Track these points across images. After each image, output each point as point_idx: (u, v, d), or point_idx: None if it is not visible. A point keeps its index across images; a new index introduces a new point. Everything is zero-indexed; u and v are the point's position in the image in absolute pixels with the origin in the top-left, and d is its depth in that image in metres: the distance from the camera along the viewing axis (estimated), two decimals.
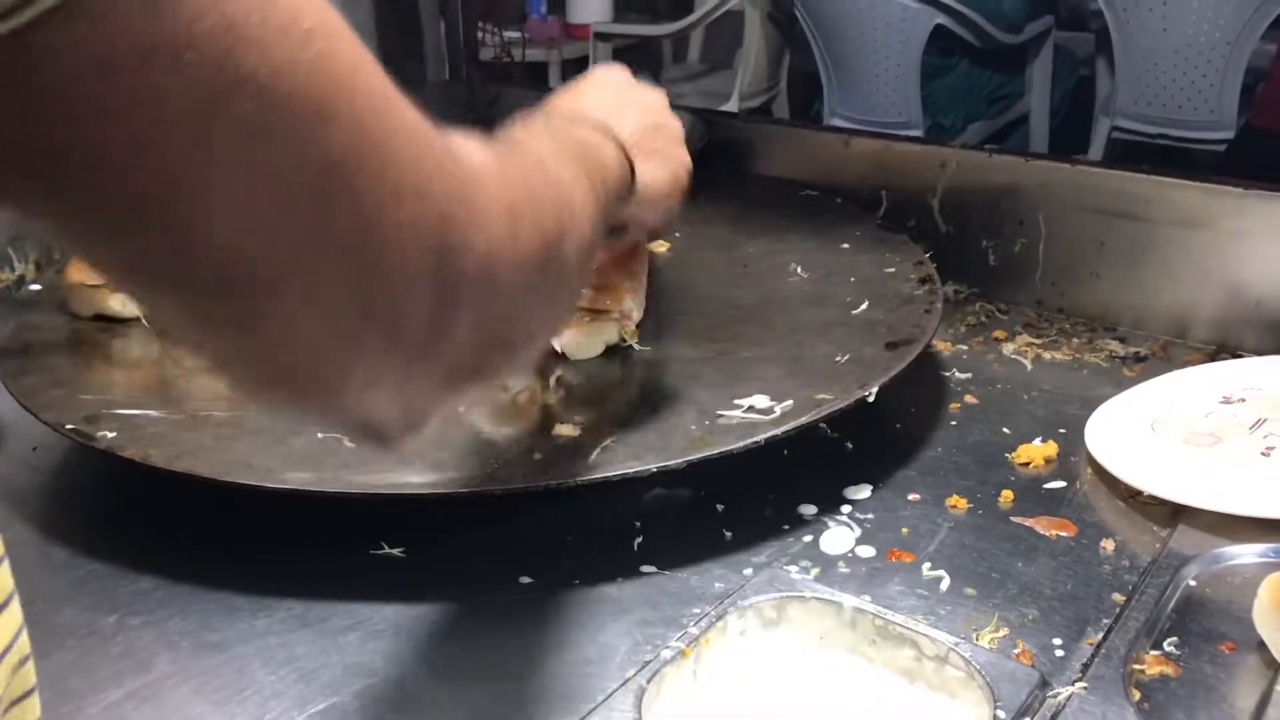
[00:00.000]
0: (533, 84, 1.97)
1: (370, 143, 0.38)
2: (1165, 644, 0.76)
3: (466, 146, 0.46)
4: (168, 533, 0.91)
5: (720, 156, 1.49)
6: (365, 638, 0.78)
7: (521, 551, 0.87)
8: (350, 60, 0.38)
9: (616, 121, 0.75)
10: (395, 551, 0.87)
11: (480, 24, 1.87)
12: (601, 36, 3.43)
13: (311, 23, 0.35)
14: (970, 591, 0.82)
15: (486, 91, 1.76)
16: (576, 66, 3.60)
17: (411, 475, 0.84)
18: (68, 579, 0.85)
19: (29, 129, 0.30)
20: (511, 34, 2.15)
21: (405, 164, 0.39)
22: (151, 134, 0.32)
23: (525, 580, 0.84)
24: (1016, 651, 0.75)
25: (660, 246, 1.26)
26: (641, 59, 3.86)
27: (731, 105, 3.22)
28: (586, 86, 0.83)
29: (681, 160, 0.84)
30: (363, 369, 0.41)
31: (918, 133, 2.92)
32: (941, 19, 2.80)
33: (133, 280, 0.38)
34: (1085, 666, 0.73)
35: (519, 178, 0.49)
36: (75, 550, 0.89)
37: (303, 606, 0.81)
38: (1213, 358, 1.16)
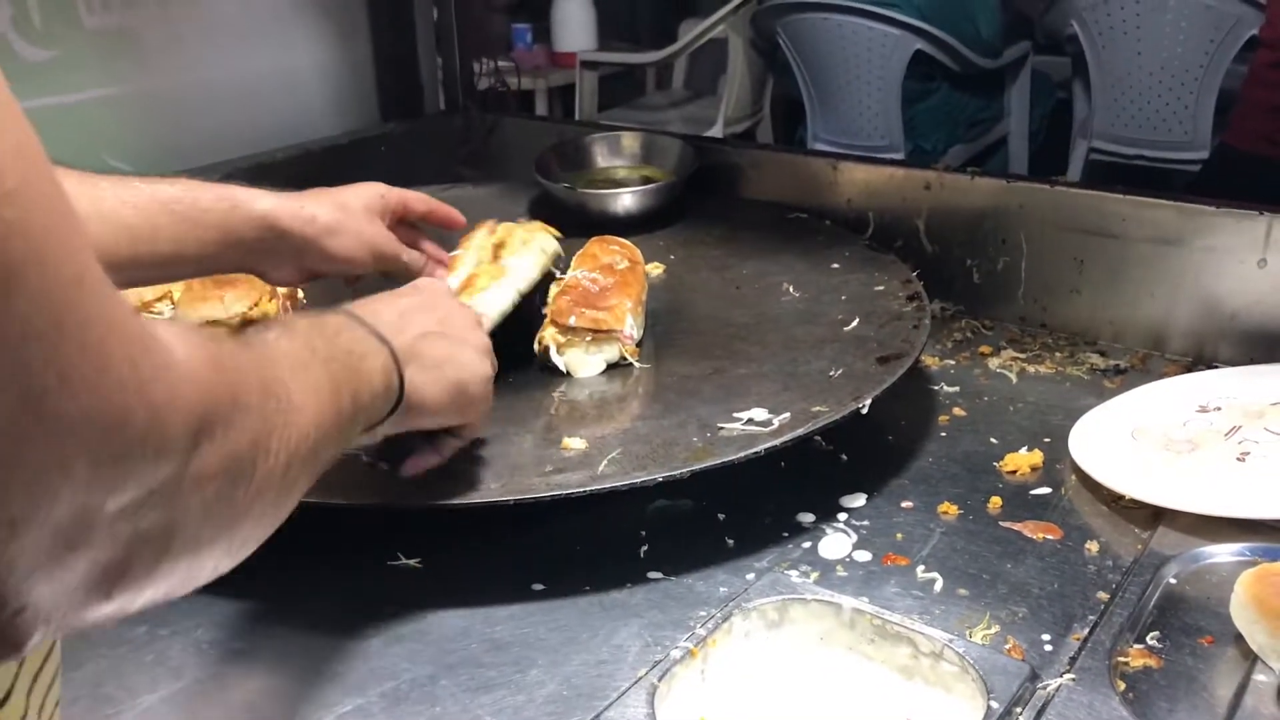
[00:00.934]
0: (526, 115, 2.01)
1: (50, 321, 0.35)
2: (1148, 638, 0.80)
3: (177, 341, 0.43)
4: None
5: (710, 182, 1.53)
6: (387, 642, 0.82)
7: (533, 560, 0.91)
8: (48, 230, 0.36)
9: (400, 327, 0.75)
10: (412, 562, 0.90)
11: (475, 57, 1.92)
12: (588, 65, 3.49)
13: (13, 184, 0.34)
14: (963, 592, 0.86)
15: (484, 121, 1.80)
16: (564, 94, 3.65)
17: (427, 488, 0.88)
18: None
19: None
20: (502, 63, 2.19)
21: (87, 348, 0.37)
22: None
23: (538, 587, 0.88)
24: (1007, 647, 0.79)
25: (655, 269, 1.30)
26: (626, 86, 3.92)
27: (716, 131, 3.27)
28: (395, 293, 0.84)
29: (469, 368, 0.81)
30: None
31: (899, 156, 2.98)
32: (921, 44, 2.87)
33: None
34: (1073, 660, 0.77)
35: (226, 386, 0.46)
36: None
37: (328, 614, 0.85)
38: (1189, 369, 1.21)
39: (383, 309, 0.77)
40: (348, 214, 0.99)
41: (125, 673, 0.79)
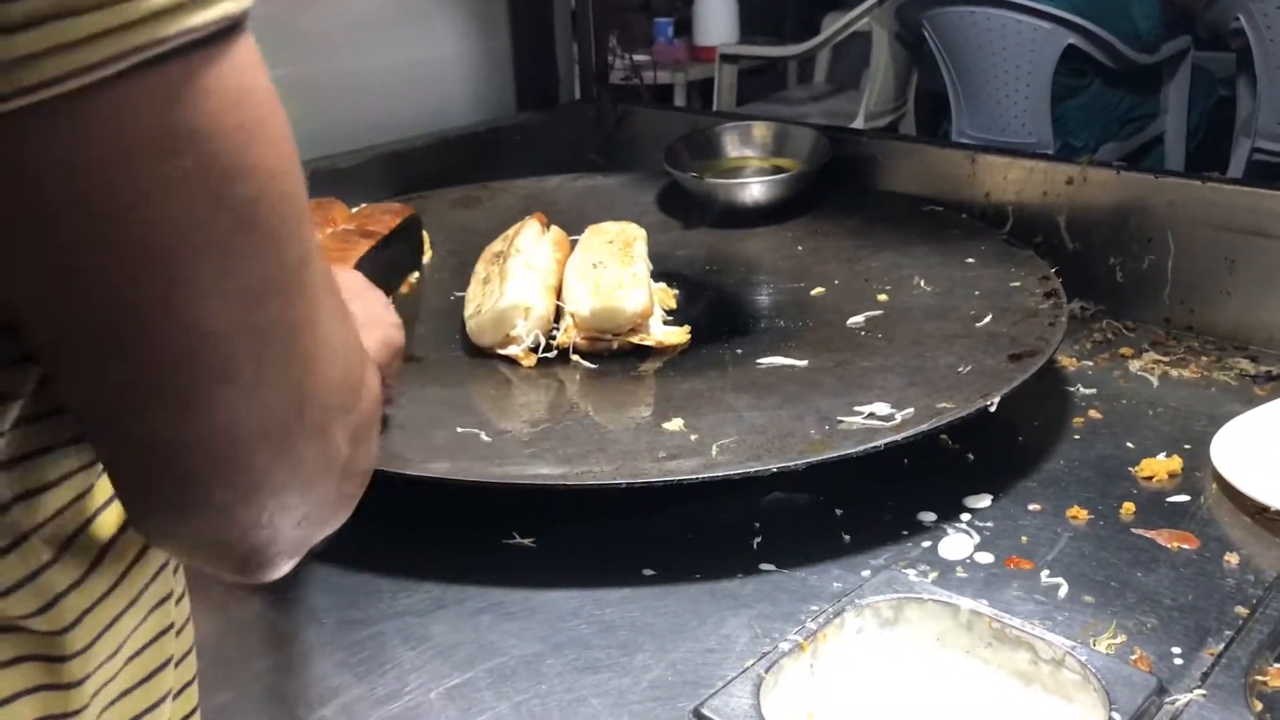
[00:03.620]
0: (659, 105, 2.01)
1: (325, 266, 0.42)
2: None
3: (355, 310, 0.50)
4: None
5: (844, 173, 1.51)
6: (497, 619, 0.82)
7: (645, 545, 0.91)
8: (303, 210, 0.41)
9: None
10: (526, 541, 0.91)
11: (610, 48, 1.93)
12: (727, 58, 3.47)
13: (288, 165, 0.39)
14: (1088, 599, 0.82)
15: (615, 111, 1.81)
16: (703, 87, 3.65)
17: (543, 468, 0.88)
18: None
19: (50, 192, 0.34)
20: (640, 57, 2.20)
21: (319, 329, 0.42)
22: (159, 201, 0.35)
23: (648, 572, 0.87)
24: (1134, 658, 0.75)
25: (681, 337, 1.15)
26: (766, 80, 3.89)
27: (858, 124, 3.22)
28: None
29: (386, 319, 0.85)
30: (282, 472, 0.42)
31: (1048, 154, 2.88)
32: (1073, 39, 2.77)
33: (94, 339, 0.38)
34: (1205, 675, 0.73)
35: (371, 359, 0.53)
36: None
37: (440, 589, 0.86)
38: None
39: None
40: None
41: (243, 636, 0.82)
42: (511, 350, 1.10)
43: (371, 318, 0.83)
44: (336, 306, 0.44)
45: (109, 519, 0.46)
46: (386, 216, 1.29)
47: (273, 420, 0.41)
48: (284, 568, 0.47)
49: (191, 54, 0.34)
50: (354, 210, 1.34)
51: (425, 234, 1.39)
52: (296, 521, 0.44)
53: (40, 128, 0.33)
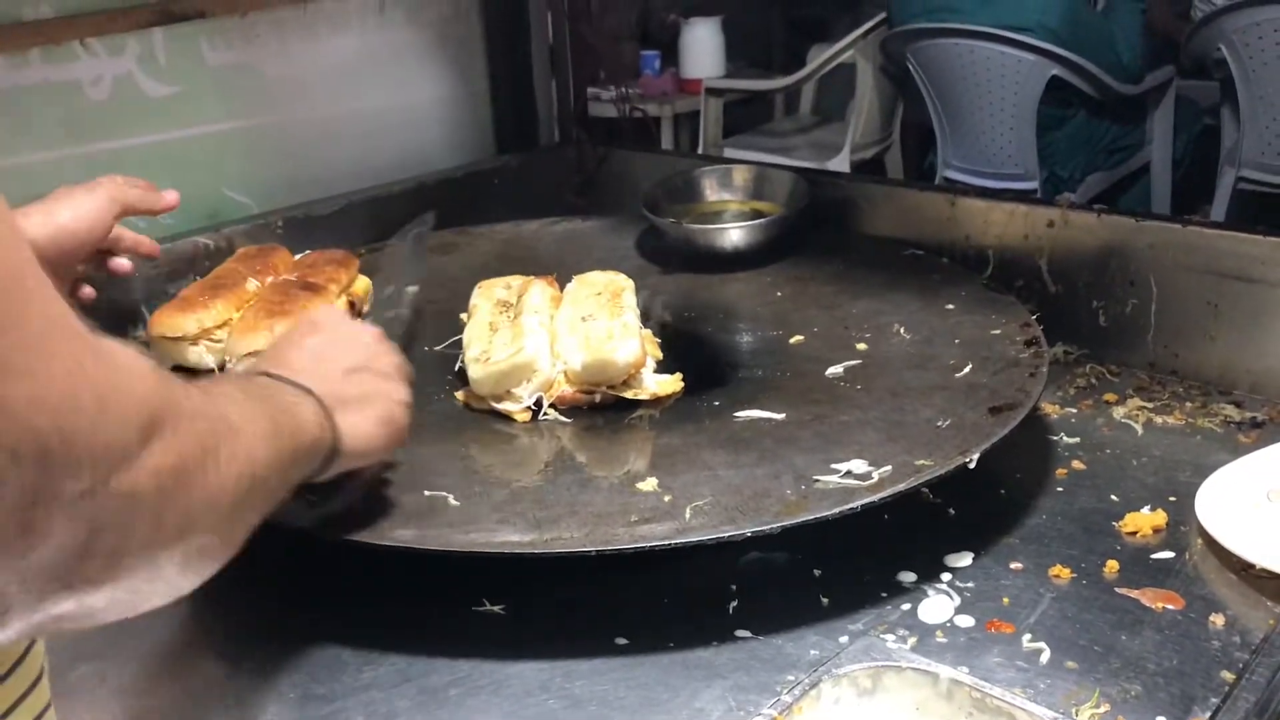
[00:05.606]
0: (641, 143, 2.00)
1: None
2: None
3: (118, 347, 0.45)
4: (278, 587, 0.95)
5: (824, 216, 1.49)
6: (465, 694, 0.80)
7: (617, 611, 0.88)
8: None
9: (319, 373, 0.75)
10: (496, 608, 0.89)
11: (594, 82, 1.92)
12: (713, 91, 3.47)
13: None
14: (1071, 665, 0.80)
15: (595, 153, 1.80)
16: (690, 120, 3.64)
17: (512, 534, 0.86)
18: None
19: None
20: (630, 89, 2.19)
21: (28, 338, 0.39)
22: None
23: (620, 641, 0.85)
24: None
25: (674, 386, 1.12)
26: (752, 112, 3.89)
27: (843, 157, 3.22)
28: (295, 334, 0.83)
29: (392, 397, 0.82)
30: None
31: (1034, 184, 2.88)
32: (1058, 70, 2.77)
33: None
34: None
35: (171, 392, 0.48)
36: (191, 601, 0.92)
37: (405, 662, 0.84)
38: None
39: (293, 356, 0.78)
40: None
41: (204, 710, 0.80)
42: (507, 406, 1.08)
43: (370, 393, 0.80)
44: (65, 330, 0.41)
45: None
46: (329, 267, 1.27)
47: None
48: (10, 626, 0.43)
49: None
50: (297, 258, 1.32)
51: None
52: None
53: None
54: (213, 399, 0.56)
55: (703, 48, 3.77)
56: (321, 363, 0.78)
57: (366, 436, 0.78)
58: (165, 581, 0.48)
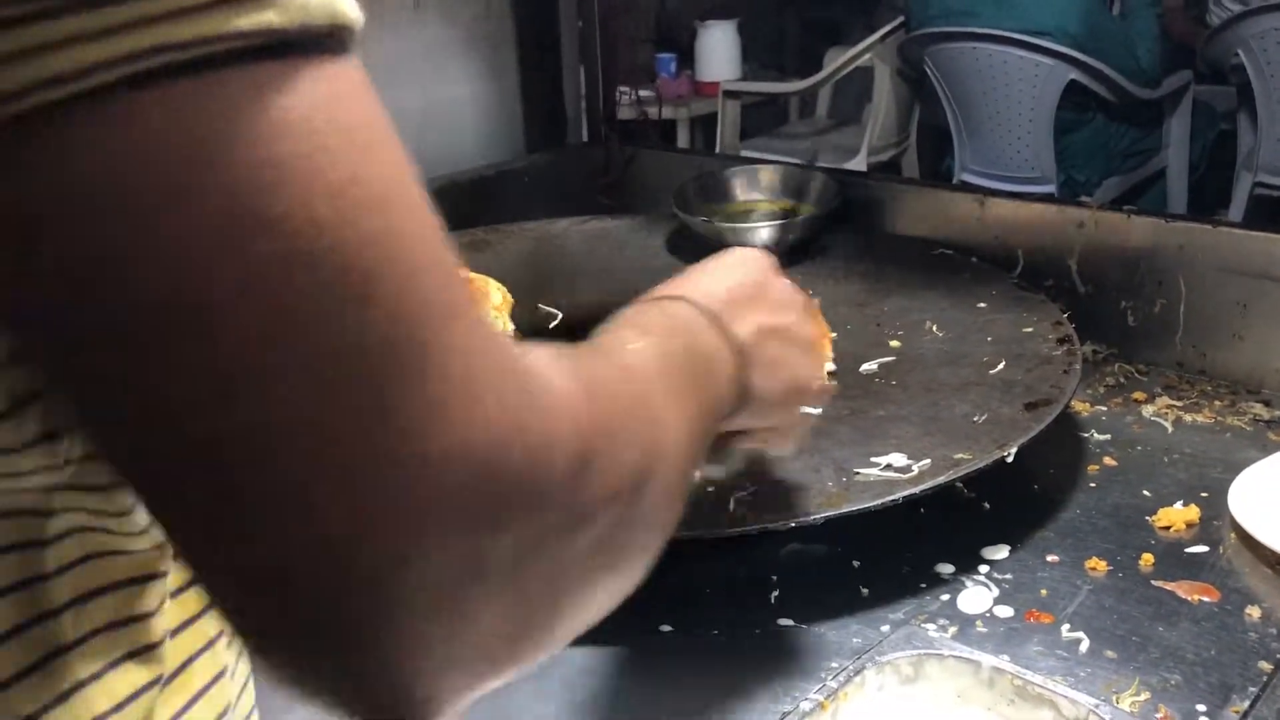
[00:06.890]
0: (664, 144, 2.01)
1: (413, 342, 0.32)
2: None
3: (550, 370, 0.39)
4: None
5: (853, 216, 1.51)
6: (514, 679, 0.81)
7: (662, 600, 0.90)
8: (414, 247, 0.33)
9: (740, 318, 0.64)
10: None
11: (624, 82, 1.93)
12: (730, 94, 3.49)
13: (379, 193, 0.32)
14: (1110, 654, 0.82)
15: (623, 153, 1.81)
16: (706, 123, 3.66)
17: None
18: None
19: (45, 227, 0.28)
20: (644, 92, 2.21)
21: (451, 378, 0.32)
22: (175, 244, 0.29)
23: (665, 628, 0.87)
24: (1159, 716, 0.75)
25: None
26: (769, 115, 3.91)
27: (859, 160, 3.23)
28: (721, 269, 0.70)
29: (804, 372, 0.71)
30: (362, 609, 0.32)
31: (1051, 188, 2.89)
32: (1075, 74, 2.78)
33: (104, 434, 0.32)
34: None
35: (604, 415, 0.41)
36: None
37: None
38: None
39: (712, 286, 0.66)
40: None
41: None
42: None
43: (781, 358, 0.68)
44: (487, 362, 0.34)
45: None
46: None
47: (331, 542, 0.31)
48: (441, 712, 0.37)
49: (211, 70, 0.29)
50: None
51: None
52: (417, 659, 0.34)
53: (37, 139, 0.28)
54: (642, 380, 0.49)
55: (719, 51, 3.79)
56: (739, 308, 0.65)
57: (769, 398, 0.67)
58: (589, 617, 0.44)
